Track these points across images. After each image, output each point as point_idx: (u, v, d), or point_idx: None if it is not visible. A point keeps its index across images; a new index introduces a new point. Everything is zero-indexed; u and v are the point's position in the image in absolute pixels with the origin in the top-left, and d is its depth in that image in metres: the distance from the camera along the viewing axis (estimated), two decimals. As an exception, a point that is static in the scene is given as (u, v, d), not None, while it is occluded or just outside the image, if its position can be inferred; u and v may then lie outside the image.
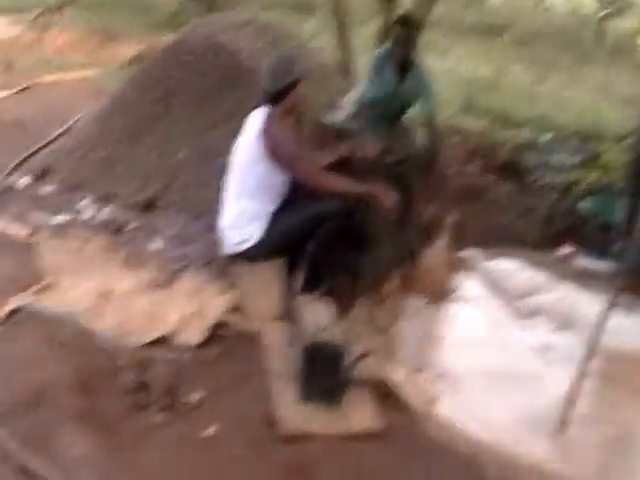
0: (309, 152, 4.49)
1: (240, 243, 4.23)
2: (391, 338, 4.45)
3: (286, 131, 4.26)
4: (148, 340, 4.05)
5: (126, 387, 3.63)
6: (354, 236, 4.49)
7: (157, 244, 5.21)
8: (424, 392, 3.78)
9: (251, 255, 4.24)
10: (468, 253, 5.48)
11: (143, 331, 4.14)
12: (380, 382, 3.77)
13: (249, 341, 4.11)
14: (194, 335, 4.12)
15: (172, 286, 4.62)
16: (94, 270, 4.70)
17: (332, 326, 3.70)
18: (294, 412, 3.53)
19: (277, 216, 4.25)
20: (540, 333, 4.67)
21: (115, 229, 5.32)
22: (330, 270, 4.40)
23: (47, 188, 5.84)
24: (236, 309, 4.36)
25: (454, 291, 4.97)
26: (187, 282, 4.62)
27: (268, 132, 4.20)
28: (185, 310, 4.31)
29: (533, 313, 4.87)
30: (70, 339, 3.95)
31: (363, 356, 3.97)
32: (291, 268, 4.41)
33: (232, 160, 4.40)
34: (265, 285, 4.32)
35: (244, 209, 4.23)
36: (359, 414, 3.57)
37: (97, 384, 3.65)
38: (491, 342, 4.50)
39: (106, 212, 5.57)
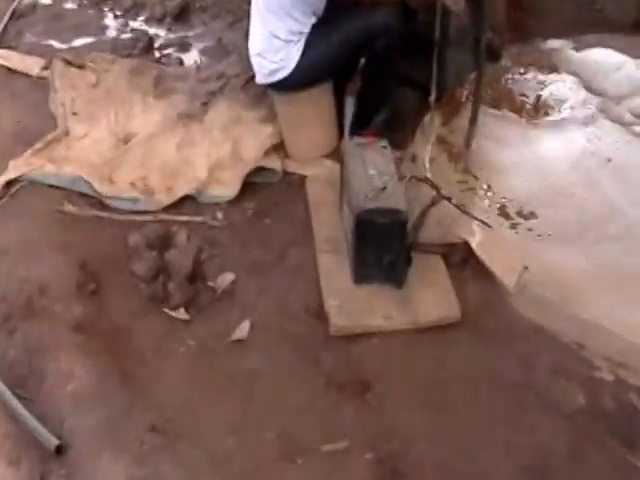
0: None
1: (275, 72, 2.91)
2: (466, 169, 3.11)
3: None
4: (171, 201, 2.85)
5: (141, 274, 2.47)
6: (415, 45, 3.04)
7: (190, 60, 3.88)
8: (511, 255, 2.50)
9: (288, 85, 2.91)
10: (554, 43, 3.93)
11: (167, 188, 2.94)
12: (454, 246, 2.51)
13: (292, 195, 2.89)
14: (227, 188, 2.92)
15: (205, 118, 3.32)
16: (115, 105, 3.44)
17: (391, 180, 2.40)
18: (347, 300, 2.37)
19: (316, 35, 2.88)
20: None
21: (143, 47, 4.00)
22: (387, 90, 3.01)
23: (69, 5, 4.45)
24: (278, 147, 3.08)
25: (541, 97, 3.52)
26: (222, 111, 3.33)
27: None
28: (218, 153, 3.06)
29: (639, 120, 3.42)
30: (75, 216, 2.78)
31: (433, 204, 2.72)
32: (340, 97, 3.07)
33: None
34: (310, 118, 3.01)
35: (276, 29, 2.86)
36: (429, 297, 2.37)
37: (105, 275, 2.55)
38: (591, 167, 3.12)
39: (133, 27, 4.21)
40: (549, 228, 2.86)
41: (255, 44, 2.93)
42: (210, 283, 2.51)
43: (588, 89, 3.65)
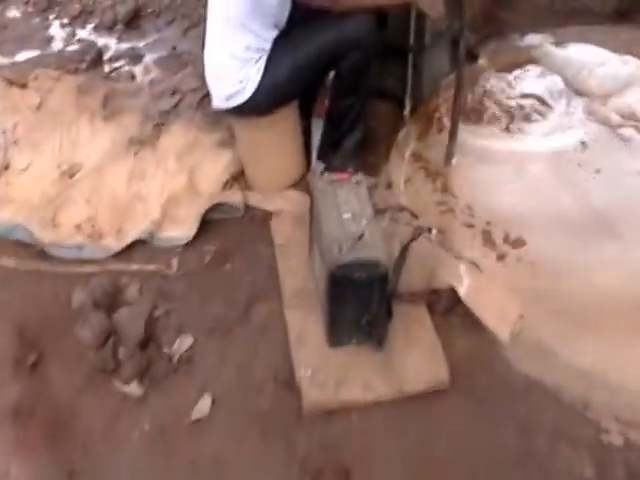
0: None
1: (233, 96, 2.50)
2: (445, 188, 2.74)
3: None
4: (121, 247, 2.46)
5: (87, 341, 2.09)
6: (387, 53, 2.64)
7: (142, 74, 3.45)
8: (504, 302, 2.14)
9: (249, 110, 2.51)
10: (533, 38, 3.55)
11: (116, 229, 2.54)
12: (439, 293, 2.15)
13: (255, 233, 2.51)
14: (183, 228, 2.53)
15: (158, 143, 2.91)
16: (60, 130, 3.01)
17: (369, 224, 2.02)
18: (321, 368, 2.01)
19: (279, 51, 2.47)
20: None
21: (91, 60, 3.56)
22: (360, 110, 2.61)
23: (12, 13, 3.98)
24: (238, 177, 2.69)
25: (522, 103, 3.13)
26: (177, 135, 2.94)
27: None
28: (173, 185, 2.66)
29: (626, 121, 3.06)
30: (12, 270, 2.38)
31: (413, 239, 2.35)
32: (306, 118, 2.68)
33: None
34: (273, 145, 2.62)
35: (232, 47, 2.45)
36: (414, 359, 2.02)
37: (47, 343, 2.18)
38: (580, 182, 2.77)
39: (81, 37, 3.76)
40: (540, 256, 2.51)
41: (210, 64, 2.52)
42: (166, 349, 2.13)
43: (571, 87, 3.27)
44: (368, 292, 1.96)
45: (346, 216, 2.05)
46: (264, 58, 2.44)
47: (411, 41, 2.80)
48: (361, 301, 1.98)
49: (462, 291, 2.12)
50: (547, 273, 2.45)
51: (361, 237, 1.98)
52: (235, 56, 2.42)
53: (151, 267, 2.42)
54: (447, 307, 2.19)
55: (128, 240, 2.47)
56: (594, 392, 2.05)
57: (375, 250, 1.95)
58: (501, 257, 2.51)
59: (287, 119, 2.60)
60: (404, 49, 2.82)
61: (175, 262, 2.43)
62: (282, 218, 2.48)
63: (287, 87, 2.48)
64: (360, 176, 2.22)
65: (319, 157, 2.65)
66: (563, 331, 2.22)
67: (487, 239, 2.58)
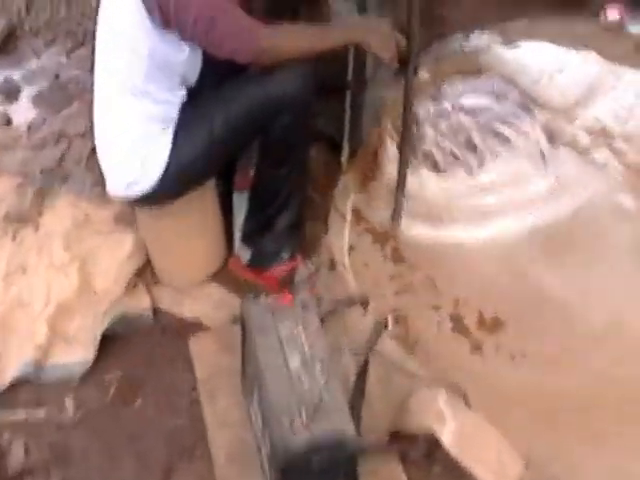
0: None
1: (133, 183, 1.85)
2: (398, 256, 2.19)
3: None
4: (1, 389, 1.83)
5: None
6: (321, 89, 2.01)
7: (20, 116, 2.74)
8: (502, 449, 1.61)
9: (154, 199, 1.89)
10: (479, 39, 2.94)
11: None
12: (415, 437, 1.60)
13: (169, 348, 1.93)
14: (78, 351, 1.90)
15: (41, 220, 2.25)
16: None
17: (325, 372, 1.47)
18: None
19: (191, 118, 1.84)
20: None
21: (-42, 99, 2.80)
22: (295, 183, 2.00)
23: None
24: (144, 269, 2.07)
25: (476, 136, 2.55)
26: (63, 210, 2.27)
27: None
28: (62, 286, 2.02)
29: (597, 139, 2.54)
30: None
31: (371, 348, 1.81)
32: (226, 192, 2.08)
33: (98, 36, 1.85)
34: (185, 234, 2.01)
35: (129, 118, 1.82)
36: None
37: None
38: (558, 234, 2.26)
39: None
40: (523, 341, 2.04)
41: (101, 142, 1.88)
42: None
43: (528, 99, 2.72)
44: (331, 475, 1.40)
45: (294, 365, 1.51)
46: (171, 129, 1.84)
47: (349, 76, 2.18)
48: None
49: (445, 437, 1.58)
50: (531, 364, 1.96)
51: (319, 403, 1.41)
52: (132, 129, 1.79)
53: (40, 414, 1.81)
54: (425, 453, 1.65)
55: (8, 380, 1.85)
56: None
57: (338, 419, 1.43)
58: (477, 347, 1.99)
59: (202, 198, 2.00)
60: (340, 86, 2.20)
61: (70, 402, 1.83)
62: (203, 335, 1.88)
63: (202, 165, 1.88)
64: (304, 292, 1.64)
65: (244, 240, 2.03)
66: (565, 456, 1.71)
67: (457, 323, 2.05)
